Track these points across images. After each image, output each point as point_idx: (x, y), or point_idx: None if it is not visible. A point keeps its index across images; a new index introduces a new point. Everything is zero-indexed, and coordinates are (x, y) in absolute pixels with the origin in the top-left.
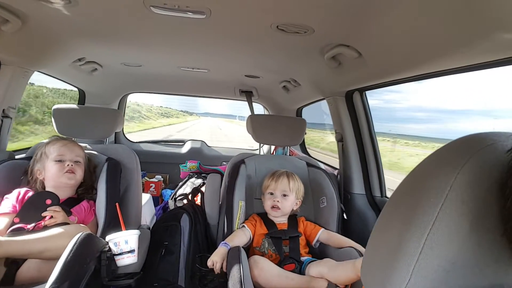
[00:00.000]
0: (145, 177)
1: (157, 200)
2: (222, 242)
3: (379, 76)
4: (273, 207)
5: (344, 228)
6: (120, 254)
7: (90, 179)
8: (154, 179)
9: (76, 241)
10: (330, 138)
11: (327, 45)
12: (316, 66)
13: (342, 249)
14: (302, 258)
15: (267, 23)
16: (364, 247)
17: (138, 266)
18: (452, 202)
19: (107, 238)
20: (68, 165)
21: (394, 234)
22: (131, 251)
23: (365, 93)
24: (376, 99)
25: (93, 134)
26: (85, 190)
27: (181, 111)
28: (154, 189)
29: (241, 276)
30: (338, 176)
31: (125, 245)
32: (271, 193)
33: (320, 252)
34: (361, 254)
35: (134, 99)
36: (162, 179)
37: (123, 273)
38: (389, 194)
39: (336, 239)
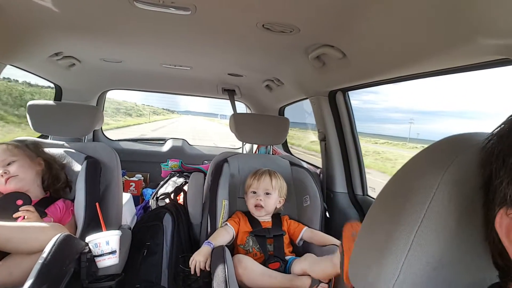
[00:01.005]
0: (125, 176)
1: (137, 199)
2: (206, 241)
3: (362, 77)
4: (256, 206)
5: (327, 226)
6: (100, 255)
7: (57, 177)
8: (134, 178)
9: (55, 242)
10: (312, 137)
11: (312, 45)
12: (300, 66)
13: (325, 247)
14: (286, 257)
15: (253, 22)
16: None
17: (120, 268)
18: (439, 201)
19: (87, 239)
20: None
21: (383, 232)
22: (112, 252)
23: (347, 93)
24: (355, 99)
25: (70, 132)
26: (59, 189)
27: (164, 108)
28: (134, 188)
29: (225, 275)
30: (321, 175)
31: (106, 246)
32: (254, 192)
33: (303, 250)
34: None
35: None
36: (142, 178)
37: (104, 275)
38: (370, 192)
39: (319, 237)
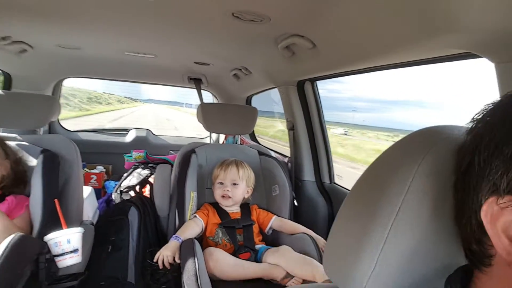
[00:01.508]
0: (85, 169)
1: (99, 192)
2: (174, 235)
3: (331, 67)
4: (223, 196)
5: (295, 214)
6: (61, 254)
7: (20, 178)
8: (95, 170)
9: (8, 244)
10: (279, 126)
11: (282, 35)
12: (269, 55)
13: (294, 235)
14: (257, 246)
15: (222, 10)
16: (315, 232)
17: (82, 266)
18: (414, 193)
19: (46, 238)
20: None
21: (359, 224)
22: (74, 251)
23: (316, 83)
24: (321, 88)
25: (24, 124)
26: (10, 185)
27: (126, 97)
28: (96, 181)
29: (196, 269)
30: (289, 163)
31: (67, 244)
32: (221, 183)
33: (273, 239)
34: (313, 240)
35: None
36: (104, 170)
37: (65, 275)
38: (337, 180)
39: (288, 226)
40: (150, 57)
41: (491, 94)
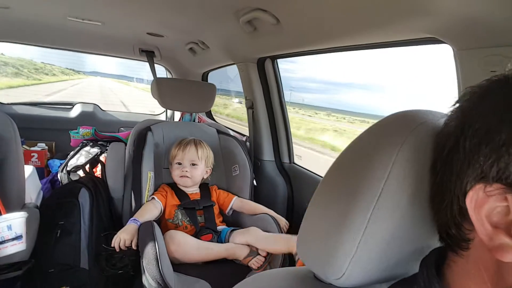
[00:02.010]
0: (24, 146)
1: (42, 172)
2: (131, 218)
3: (294, 45)
4: (181, 176)
5: (254, 194)
6: (1, 242)
7: None
8: (36, 148)
9: None
10: (235, 104)
11: (244, 8)
12: (229, 30)
13: (256, 215)
14: (219, 228)
15: None
16: (276, 211)
17: (27, 253)
18: (395, 178)
19: None
20: None
21: (337, 210)
22: (17, 238)
23: (276, 61)
24: None
25: None
26: None
27: (68, 68)
28: (37, 159)
29: (156, 253)
30: (247, 143)
31: (8, 231)
32: (179, 163)
33: (233, 220)
34: (275, 220)
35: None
36: (46, 147)
37: (7, 264)
38: (296, 160)
39: (249, 206)
40: (96, 24)
41: (430, 80)
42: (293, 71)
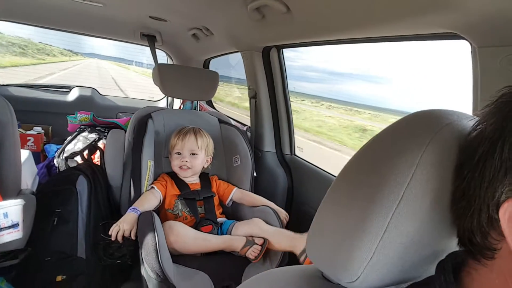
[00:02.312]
0: (20, 129)
1: (38, 156)
2: (131, 207)
3: (304, 35)
4: (181, 167)
5: (254, 185)
6: None
7: None
8: (32, 132)
9: None
10: (236, 93)
11: None
12: (236, 16)
13: (256, 207)
14: (219, 220)
15: None
16: (276, 203)
17: (23, 241)
18: (418, 182)
19: None
20: None
21: (354, 211)
22: (14, 226)
23: (282, 51)
24: None
25: None
26: None
27: (66, 49)
28: (33, 143)
29: (156, 244)
30: (248, 133)
31: (4, 219)
32: (179, 153)
33: (233, 211)
34: (275, 212)
35: None
36: (43, 131)
37: (2, 252)
38: (297, 152)
39: (250, 198)
40: (97, 6)
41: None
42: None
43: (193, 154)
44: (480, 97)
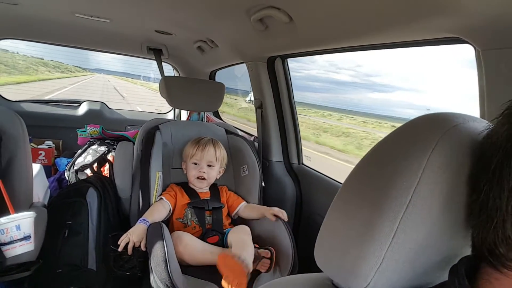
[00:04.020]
0: (32, 143)
1: (49, 170)
2: (141, 218)
3: (307, 44)
4: (198, 177)
5: (263, 196)
6: (9, 243)
7: None
8: (43, 146)
9: None
10: (242, 104)
11: (256, 6)
12: (240, 28)
13: (265, 218)
14: (225, 230)
15: None
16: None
17: (35, 253)
18: (425, 184)
19: None
20: None
21: (363, 217)
22: (26, 238)
23: (287, 60)
24: None
25: None
26: None
27: (74, 66)
28: (44, 158)
29: (165, 255)
30: (256, 143)
31: (17, 231)
32: (196, 163)
33: (242, 222)
34: (284, 223)
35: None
36: (53, 145)
37: (14, 264)
38: (305, 161)
39: (256, 211)
40: (104, 21)
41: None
42: (297, 69)
43: (210, 165)
44: (486, 100)
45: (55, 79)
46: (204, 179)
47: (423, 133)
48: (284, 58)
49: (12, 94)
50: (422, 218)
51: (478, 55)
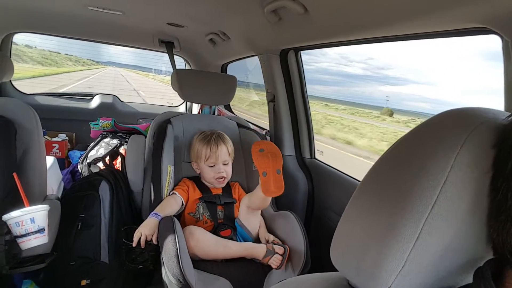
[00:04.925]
0: (46, 136)
1: (62, 162)
2: (152, 212)
3: (322, 36)
4: (218, 178)
5: None
6: (24, 235)
7: None
8: (57, 139)
9: None
10: (254, 97)
11: None
12: (252, 20)
13: (277, 212)
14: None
15: None
16: (296, 207)
17: (50, 246)
18: (453, 184)
19: (5, 217)
20: None
21: (383, 217)
22: (40, 231)
23: (300, 53)
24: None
25: None
26: None
27: (88, 59)
28: (58, 150)
29: (177, 249)
30: (267, 137)
31: (31, 224)
32: (213, 165)
33: None
34: (295, 216)
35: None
36: (67, 138)
37: (29, 256)
38: (317, 155)
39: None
40: (116, 14)
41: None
42: (308, 62)
43: (225, 163)
44: None
45: (77, 71)
46: (224, 178)
47: (451, 129)
48: (297, 50)
49: (42, 84)
50: (449, 219)
51: (506, 46)
